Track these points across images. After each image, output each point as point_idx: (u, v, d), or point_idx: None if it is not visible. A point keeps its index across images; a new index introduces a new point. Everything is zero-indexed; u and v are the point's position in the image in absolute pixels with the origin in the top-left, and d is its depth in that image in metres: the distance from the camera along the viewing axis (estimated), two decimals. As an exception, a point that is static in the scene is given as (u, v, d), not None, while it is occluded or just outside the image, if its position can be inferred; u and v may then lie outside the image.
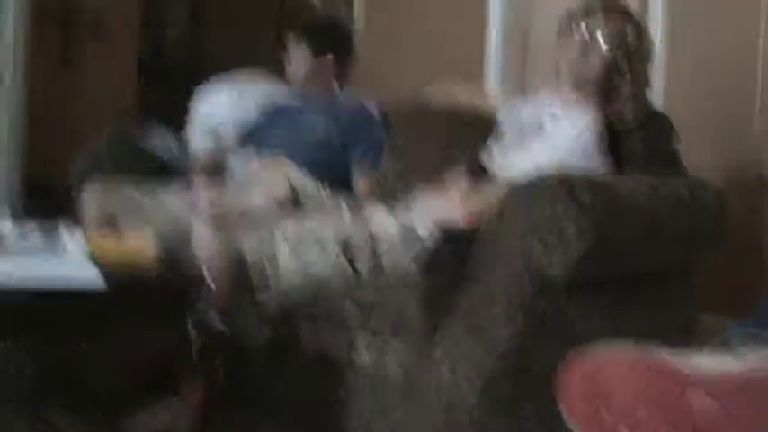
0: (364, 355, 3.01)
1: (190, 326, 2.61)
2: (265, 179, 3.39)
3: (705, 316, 3.36)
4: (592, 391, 1.92)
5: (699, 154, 3.50)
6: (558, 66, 3.31)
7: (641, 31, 3.24)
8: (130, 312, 2.55)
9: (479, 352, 2.75)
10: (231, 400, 2.80)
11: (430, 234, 3.20)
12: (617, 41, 3.18)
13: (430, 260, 3.13)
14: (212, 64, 6.26)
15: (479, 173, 3.29)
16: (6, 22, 5.53)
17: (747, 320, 2.13)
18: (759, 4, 3.97)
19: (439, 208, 3.22)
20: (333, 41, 4.14)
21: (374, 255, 3.17)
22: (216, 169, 4.29)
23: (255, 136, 4.19)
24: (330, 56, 4.11)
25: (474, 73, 4.93)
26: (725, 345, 2.03)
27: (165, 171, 4.26)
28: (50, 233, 2.86)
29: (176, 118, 4.80)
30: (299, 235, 3.12)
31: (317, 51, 4.10)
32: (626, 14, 3.26)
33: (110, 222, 3.79)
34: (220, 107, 4.71)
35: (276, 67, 4.38)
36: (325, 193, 3.47)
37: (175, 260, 2.88)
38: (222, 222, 3.25)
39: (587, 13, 3.22)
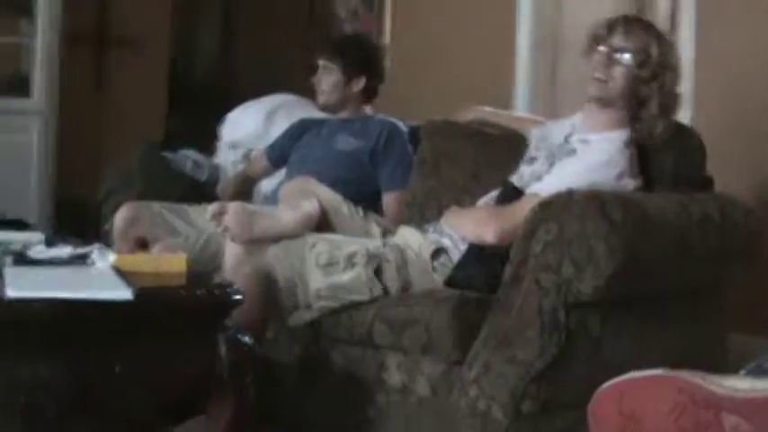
0: (395, 375, 3.01)
1: (220, 344, 2.62)
2: (295, 199, 3.39)
3: (734, 334, 3.34)
4: (624, 415, 1.91)
5: (729, 171, 3.49)
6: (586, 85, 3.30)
7: (666, 45, 3.23)
8: (161, 331, 2.56)
9: (510, 373, 2.74)
10: (261, 418, 2.80)
11: (460, 252, 3.20)
12: (640, 55, 3.17)
13: (460, 278, 3.14)
14: (242, 86, 6.31)
15: (510, 193, 3.29)
16: (40, 42, 5.58)
17: None
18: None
19: (469, 226, 3.22)
20: (364, 64, 4.14)
21: (404, 273, 3.17)
22: (246, 191, 4.31)
23: (285, 156, 4.20)
24: (362, 78, 4.11)
25: (502, 94, 4.94)
26: (759, 368, 2.03)
27: (196, 191, 4.28)
28: (81, 250, 2.88)
29: (206, 140, 4.83)
30: (330, 254, 3.13)
31: (350, 75, 4.10)
32: (649, 28, 3.25)
33: (140, 240, 3.82)
34: (250, 129, 4.74)
35: (305, 88, 4.39)
36: (355, 211, 3.48)
37: (206, 279, 2.89)
38: (252, 243, 3.26)
39: (610, 29, 3.22)
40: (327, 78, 4.12)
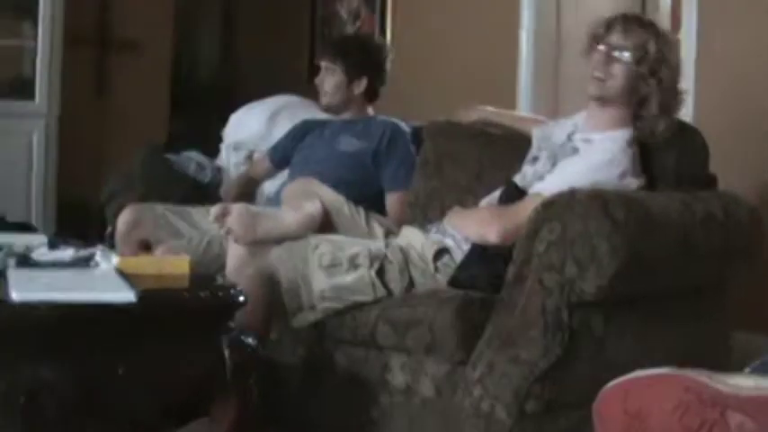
0: (398, 376, 3.01)
1: (224, 346, 2.62)
2: (298, 200, 3.39)
3: (738, 333, 3.34)
4: (630, 414, 1.91)
5: (731, 170, 3.49)
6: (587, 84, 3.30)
7: (664, 42, 3.22)
8: (164, 333, 2.56)
9: (514, 373, 2.73)
10: (265, 419, 2.80)
11: (463, 253, 3.20)
12: (638, 52, 3.16)
13: (463, 278, 3.14)
14: (244, 88, 6.31)
15: (513, 193, 3.29)
16: (42, 45, 5.59)
17: None
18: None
19: (472, 226, 3.22)
20: (367, 64, 4.14)
21: (407, 274, 3.17)
22: (249, 192, 4.31)
23: (288, 157, 4.21)
24: (364, 79, 4.11)
25: (505, 94, 4.94)
26: (763, 366, 2.02)
27: (199, 193, 4.28)
28: (83, 252, 2.88)
29: (209, 141, 4.84)
30: (333, 255, 3.13)
31: (352, 75, 4.10)
32: (648, 26, 3.24)
33: (143, 242, 3.82)
34: (253, 131, 4.74)
35: (308, 88, 4.39)
36: (357, 212, 3.48)
37: (209, 281, 2.89)
38: (255, 244, 3.26)
39: (608, 27, 3.22)
40: (330, 80, 4.12)
